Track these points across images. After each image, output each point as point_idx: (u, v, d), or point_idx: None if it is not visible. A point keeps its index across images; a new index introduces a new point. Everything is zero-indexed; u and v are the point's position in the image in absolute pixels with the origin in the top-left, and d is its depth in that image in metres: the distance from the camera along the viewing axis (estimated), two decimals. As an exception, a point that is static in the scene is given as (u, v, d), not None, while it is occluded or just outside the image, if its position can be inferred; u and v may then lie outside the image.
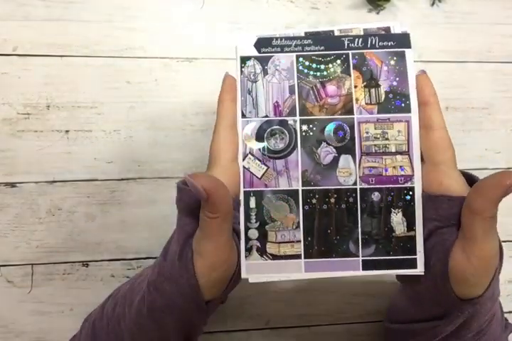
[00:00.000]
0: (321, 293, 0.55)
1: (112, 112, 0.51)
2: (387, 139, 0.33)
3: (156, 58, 0.52)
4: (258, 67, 0.34)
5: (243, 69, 0.34)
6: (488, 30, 0.57)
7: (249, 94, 0.33)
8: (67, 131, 0.51)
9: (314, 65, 0.34)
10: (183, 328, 0.34)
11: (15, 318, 0.51)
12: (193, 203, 0.31)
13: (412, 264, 0.34)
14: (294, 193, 0.33)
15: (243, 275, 0.33)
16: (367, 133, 0.33)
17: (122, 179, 0.52)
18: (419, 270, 0.33)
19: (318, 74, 0.34)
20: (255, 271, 0.33)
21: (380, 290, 0.56)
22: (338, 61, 0.34)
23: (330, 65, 0.34)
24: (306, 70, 0.34)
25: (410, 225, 0.33)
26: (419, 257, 0.33)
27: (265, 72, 0.34)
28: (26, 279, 0.51)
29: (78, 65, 0.51)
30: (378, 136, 0.33)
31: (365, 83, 0.33)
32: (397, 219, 0.33)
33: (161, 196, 0.52)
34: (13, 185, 0.50)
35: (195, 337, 0.36)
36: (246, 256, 0.33)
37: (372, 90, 0.33)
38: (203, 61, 0.53)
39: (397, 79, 0.33)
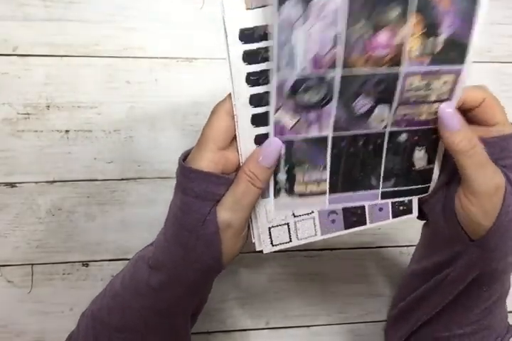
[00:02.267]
0: (321, 293, 0.55)
1: (112, 112, 0.51)
2: (430, 90, 0.31)
3: (156, 58, 0.52)
4: (299, 8, 0.26)
5: (280, 10, 0.26)
6: (488, 30, 0.57)
7: (286, 44, 0.27)
8: (67, 131, 0.51)
9: (368, 5, 0.27)
10: (194, 301, 0.37)
11: (15, 318, 0.51)
12: (210, 188, 0.32)
13: (425, 191, 0.36)
14: (323, 139, 0.33)
15: (274, 213, 0.35)
16: (411, 85, 0.30)
17: (122, 179, 0.52)
18: (429, 193, 0.36)
19: (371, 18, 0.27)
20: (283, 208, 0.34)
21: (380, 290, 0.56)
22: (399, 0, 0.27)
23: (388, 7, 0.27)
24: (357, 13, 0.27)
25: (431, 160, 0.35)
26: (432, 184, 0.36)
27: (306, 16, 0.27)
28: (26, 279, 0.51)
29: (78, 65, 0.51)
30: (422, 87, 0.31)
31: (423, 30, 0.28)
32: (419, 155, 0.34)
33: (161, 196, 0.52)
34: (13, 185, 0.50)
35: (201, 309, 0.40)
36: (275, 196, 0.34)
37: (430, 39, 0.29)
38: (203, 61, 0.53)
39: (462, 24, 0.29)
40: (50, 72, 0.50)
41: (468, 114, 0.33)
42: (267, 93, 0.31)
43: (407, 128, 0.33)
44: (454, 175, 0.34)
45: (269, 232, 0.35)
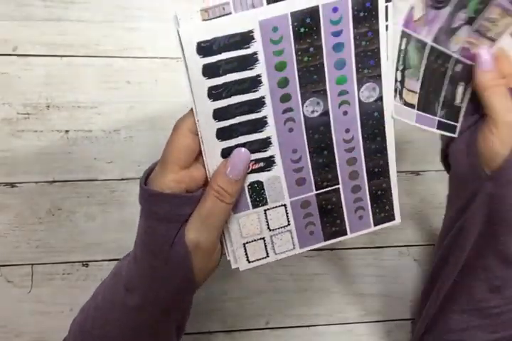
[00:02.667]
0: (321, 293, 0.55)
1: (112, 112, 0.51)
2: (496, 26, 0.34)
3: (156, 58, 0.52)
4: None
5: None
6: None
7: None
8: (67, 131, 0.51)
9: None
10: (176, 318, 0.36)
11: (15, 318, 0.51)
12: (174, 209, 0.31)
13: (454, 130, 0.38)
14: (424, 45, 0.34)
15: (394, 115, 0.34)
16: (490, 14, 0.33)
17: (122, 179, 0.52)
18: (456, 135, 0.38)
19: None
20: (397, 113, 0.34)
21: (380, 290, 0.56)
22: None
23: None
24: None
25: (462, 99, 0.37)
26: (458, 125, 0.38)
27: None
28: (26, 279, 0.51)
29: (78, 64, 0.51)
30: (493, 20, 0.34)
31: None
32: (460, 90, 0.37)
33: (161, 196, 0.52)
34: (13, 185, 0.50)
35: (185, 322, 0.38)
36: (397, 97, 0.34)
37: None
38: (203, 61, 0.53)
39: None
40: (50, 72, 0.50)
41: None
42: (230, 106, 0.30)
43: (464, 59, 0.35)
44: (480, 118, 0.36)
45: (244, 248, 0.34)
